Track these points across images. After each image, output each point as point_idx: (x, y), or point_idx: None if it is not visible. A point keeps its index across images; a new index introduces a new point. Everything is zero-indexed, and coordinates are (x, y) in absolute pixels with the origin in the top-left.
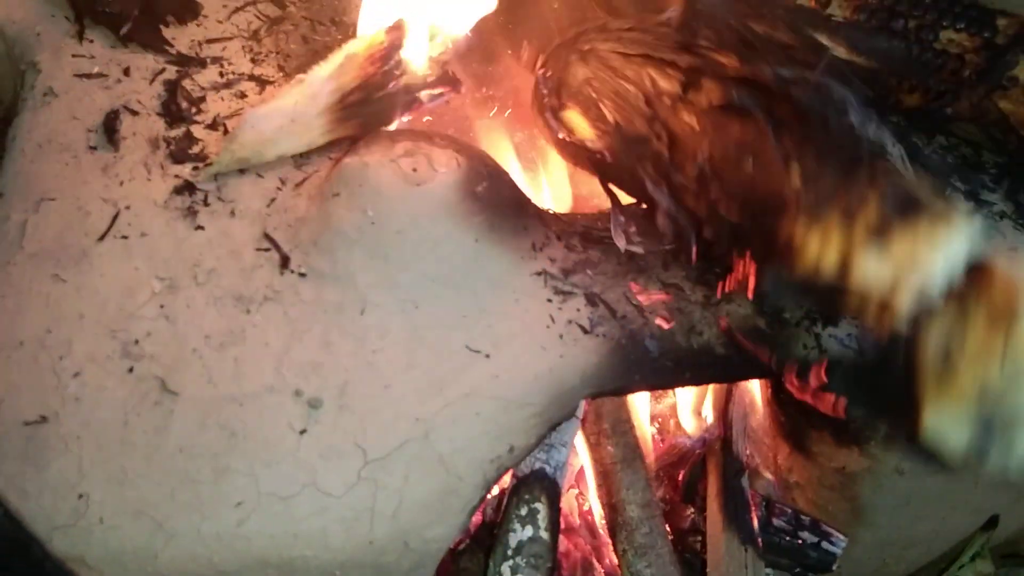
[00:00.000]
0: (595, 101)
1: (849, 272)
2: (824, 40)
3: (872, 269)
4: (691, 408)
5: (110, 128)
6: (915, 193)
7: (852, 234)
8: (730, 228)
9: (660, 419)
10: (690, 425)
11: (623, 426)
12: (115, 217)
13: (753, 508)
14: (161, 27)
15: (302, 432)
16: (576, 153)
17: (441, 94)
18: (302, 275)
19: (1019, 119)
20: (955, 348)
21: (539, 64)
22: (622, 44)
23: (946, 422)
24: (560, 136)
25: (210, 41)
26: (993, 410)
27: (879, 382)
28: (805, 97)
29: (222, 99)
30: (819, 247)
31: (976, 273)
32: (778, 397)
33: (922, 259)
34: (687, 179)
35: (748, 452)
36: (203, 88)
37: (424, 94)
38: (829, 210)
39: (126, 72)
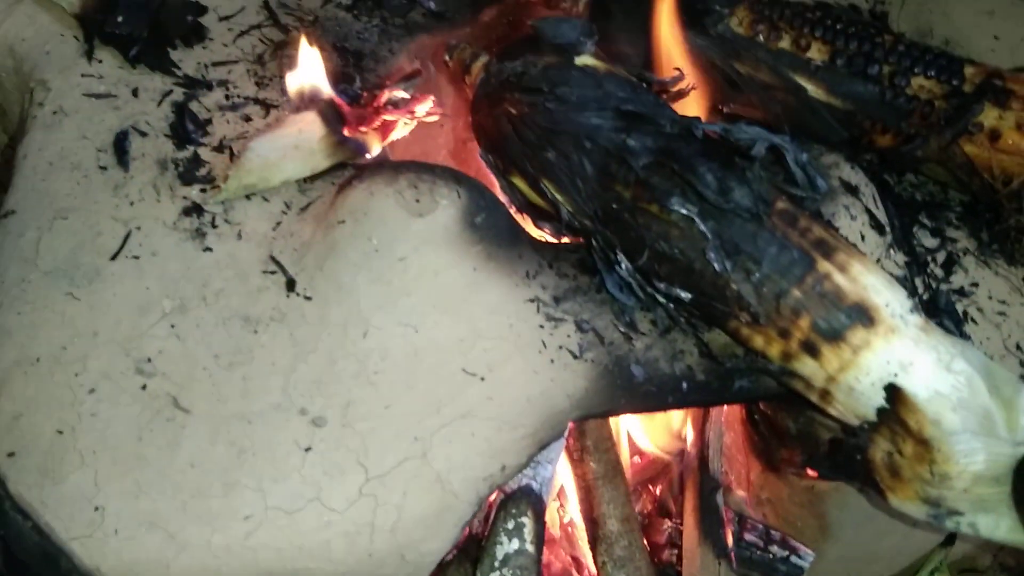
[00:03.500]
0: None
1: (790, 368)
2: (803, 82)
3: (808, 370)
4: (670, 426)
5: (120, 148)
6: (838, 324)
7: (788, 346)
8: (684, 304)
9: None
10: (669, 443)
11: (605, 443)
12: (126, 237)
13: (727, 523)
14: (169, 49)
15: (307, 449)
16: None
17: (412, 79)
18: (307, 298)
19: (983, 163)
20: (895, 456)
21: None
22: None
23: (904, 504)
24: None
25: (216, 64)
26: (938, 500)
27: (844, 468)
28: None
29: (228, 122)
30: (762, 346)
31: (897, 395)
32: (751, 418)
33: (848, 377)
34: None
35: (723, 469)
36: (209, 110)
37: (398, 92)
38: (767, 326)
39: (135, 93)
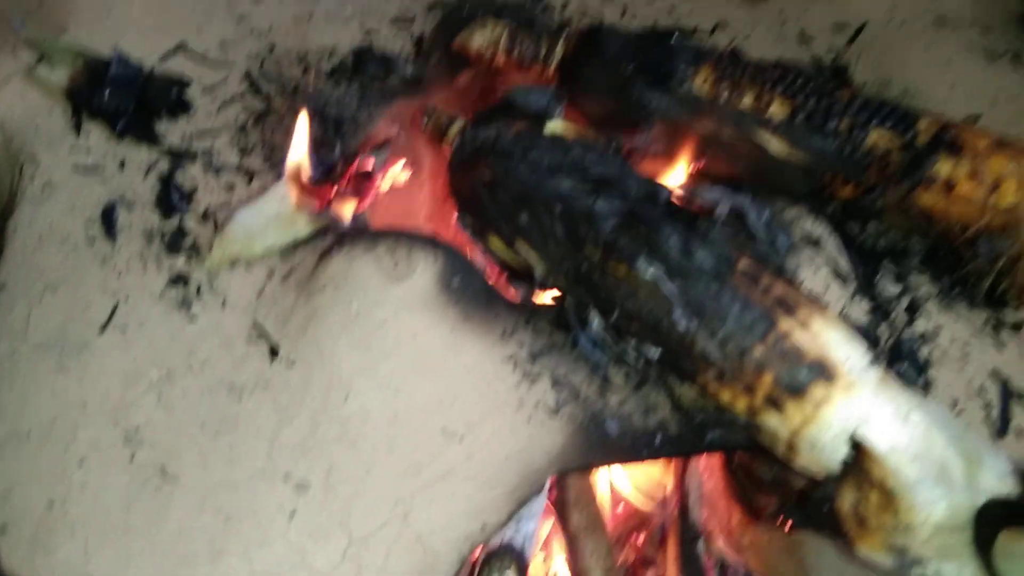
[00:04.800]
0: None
1: (756, 422)
2: (766, 138)
3: (773, 424)
4: (652, 474)
5: (107, 221)
6: (800, 379)
7: (754, 401)
8: (655, 360)
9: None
10: (650, 491)
11: (586, 495)
12: (114, 308)
13: (708, 572)
14: (154, 122)
15: (292, 513)
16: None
17: (384, 146)
18: (290, 364)
19: (940, 212)
20: (861, 507)
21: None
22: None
23: (871, 553)
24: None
25: (200, 134)
26: (903, 549)
27: (814, 518)
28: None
29: (212, 191)
30: (729, 400)
31: (859, 447)
32: (730, 464)
33: (811, 431)
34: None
35: (704, 515)
36: (194, 180)
37: (372, 159)
38: (733, 382)
39: (121, 165)
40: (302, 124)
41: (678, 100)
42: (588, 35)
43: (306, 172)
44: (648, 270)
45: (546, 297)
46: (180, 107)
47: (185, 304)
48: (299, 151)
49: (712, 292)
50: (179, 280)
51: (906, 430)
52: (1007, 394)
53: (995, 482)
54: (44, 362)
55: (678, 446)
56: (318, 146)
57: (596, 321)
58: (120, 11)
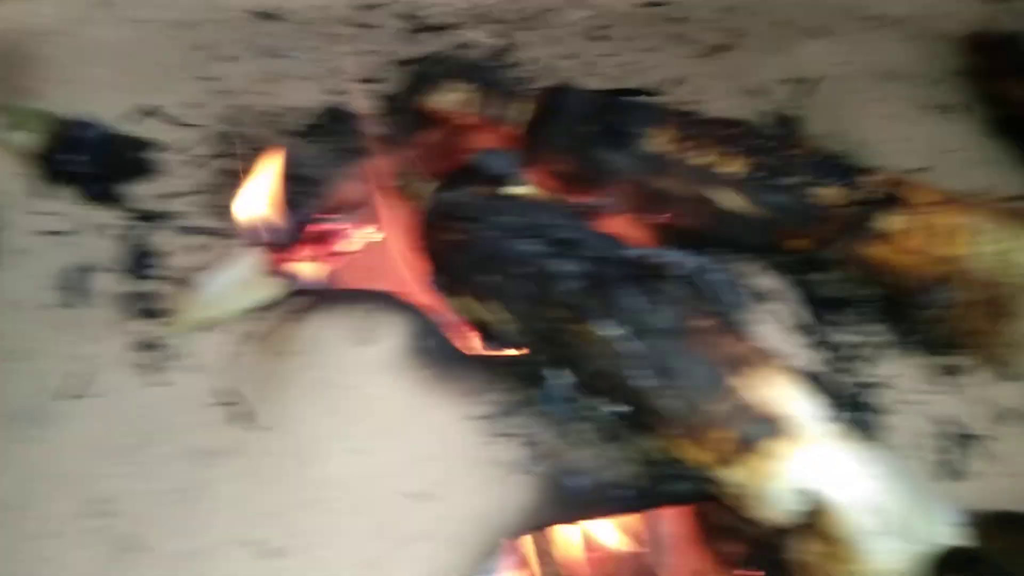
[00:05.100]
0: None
1: (716, 475)
2: (724, 194)
3: (731, 478)
4: (617, 525)
5: (77, 286)
6: (755, 435)
7: (712, 456)
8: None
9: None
10: (622, 538)
11: (546, 547)
12: (86, 375)
13: None
14: (124, 184)
15: None
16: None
17: (354, 208)
18: (262, 429)
19: (890, 262)
20: (816, 556)
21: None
22: None
23: None
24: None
25: (170, 196)
26: None
27: (774, 567)
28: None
29: (183, 253)
30: (691, 455)
31: (813, 499)
32: (697, 511)
33: (767, 485)
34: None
35: (674, 562)
36: (165, 243)
37: (340, 220)
38: (693, 438)
39: (91, 229)
40: (269, 186)
41: (639, 159)
42: (552, 95)
43: (274, 234)
44: (609, 330)
45: (515, 355)
46: (150, 169)
47: (156, 369)
48: (266, 213)
49: (671, 351)
50: (150, 345)
51: (857, 482)
52: (958, 438)
53: (943, 532)
54: (15, 432)
55: (645, 500)
56: (287, 207)
57: (563, 379)
58: (89, 73)
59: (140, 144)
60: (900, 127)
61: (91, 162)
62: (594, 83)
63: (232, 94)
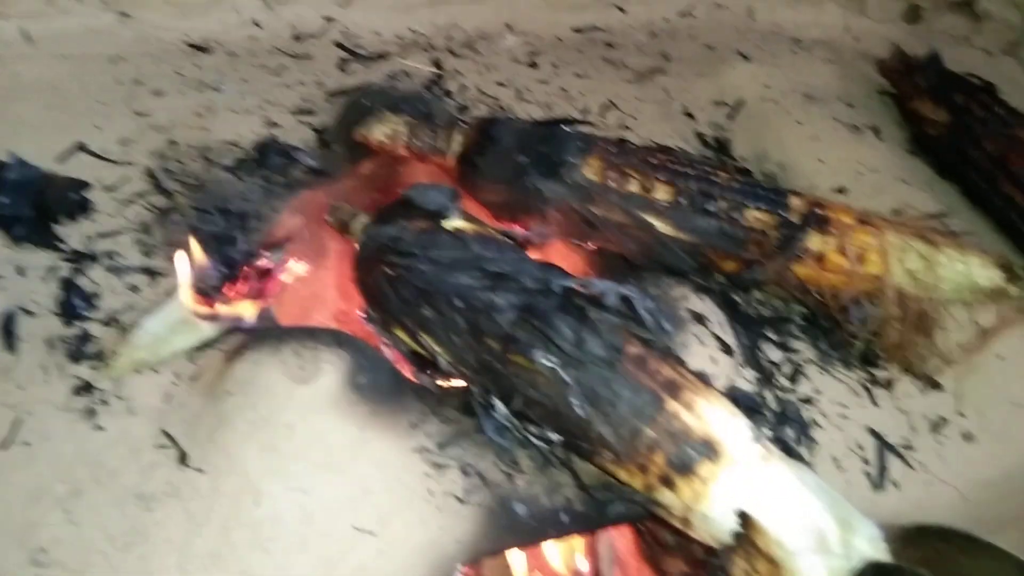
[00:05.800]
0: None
1: (652, 498)
2: (652, 220)
3: (667, 500)
4: (560, 548)
5: (7, 331)
6: (688, 458)
7: (648, 479)
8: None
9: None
10: (567, 559)
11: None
12: (17, 423)
13: None
14: (54, 225)
15: None
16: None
17: (287, 243)
18: (199, 471)
19: (813, 282)
20: (752, 574)
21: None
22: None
23: None
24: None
25: (102, 235)
26: None
27: None
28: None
29: (115, 293)
30: (627, 479)
31: (746, 520)
32: (639, 529)
33: (702, 506)
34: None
35: None
36: (97, 283)
37: (272, 257)
38: (628, 462)
39: (20, 272)
40: (193, 237)
41: (570, 187)
42: (484, 126)
43: (204, 277)
44: (544, 361)
45: (452, 386)
46: (80, 209)
47: (90, 413)
48: (194, 256)
49: (604, 378)
50: (84, 389)
51: (787, 502)
52: (883, 449)
53: (867, 546)
54: None
55: (584, 522)
56: (219, 244)
57: (500, 408)
58: (15, 111)
59: (70, 183)
60: (818, 148)
61: (20, 203)
62: (528, 109)
63: (164, 129)
